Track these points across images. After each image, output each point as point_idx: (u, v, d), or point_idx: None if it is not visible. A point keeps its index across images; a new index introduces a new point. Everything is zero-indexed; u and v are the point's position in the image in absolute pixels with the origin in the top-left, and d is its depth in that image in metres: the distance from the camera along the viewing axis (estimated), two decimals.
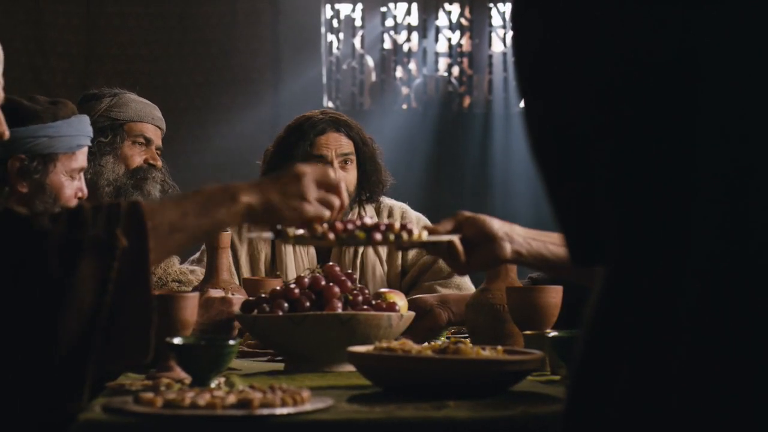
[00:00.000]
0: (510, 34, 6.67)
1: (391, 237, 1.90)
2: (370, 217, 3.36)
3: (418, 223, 3.45)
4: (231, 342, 1.88)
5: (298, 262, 3.35)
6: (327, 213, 1.76)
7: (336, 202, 1.75)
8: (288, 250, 3.35)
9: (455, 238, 1.99)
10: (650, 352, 1.04)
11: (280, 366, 2.25)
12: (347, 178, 3.31)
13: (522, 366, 1.80)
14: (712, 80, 1.01)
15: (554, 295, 2.28)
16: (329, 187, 1.76)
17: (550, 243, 2.01)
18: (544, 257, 2.01)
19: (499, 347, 1.91)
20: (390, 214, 3.45)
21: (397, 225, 1.96)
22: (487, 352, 1.85)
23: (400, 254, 3.39)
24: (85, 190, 2.65)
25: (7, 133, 1.78)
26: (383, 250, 3.39)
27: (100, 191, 3.00)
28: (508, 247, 1.98)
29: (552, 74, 1.12)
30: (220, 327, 2.31)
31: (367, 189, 3.38)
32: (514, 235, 2.00)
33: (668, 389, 1.02)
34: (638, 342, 1.05)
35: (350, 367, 2.07)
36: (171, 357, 1.96)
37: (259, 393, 1.64)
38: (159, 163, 3.12)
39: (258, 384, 1.73)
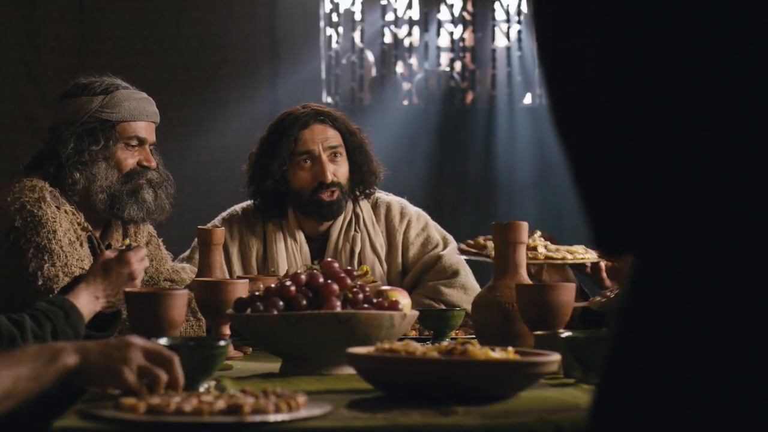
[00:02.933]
0: (514, 27, 6.67)
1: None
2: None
3: (418, 219, 3.35)
4: (221, 343, 1.77)
5: (291, 259, 3.24)
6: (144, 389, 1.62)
7: (163, 377, 1.62)
8: (280, 247, 3.25)
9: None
10: (685, 348, 0.98)
11: (276, 368, 2.15)
12: (338, 171, 3.22)
13: (537, 369, 1.69)
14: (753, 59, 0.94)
15: (567, 293, 2.17)
16: (160, 360, 1.63)
17: None
18: None
19: (510, 348, 1.79)
20: (388, 211, 3.34)
21: None
22: (497, 354, 1.74)
23: (400, 253, 3.30)
24: None
25: None
26: (382, 249, 3.28)
27: (93, 198, 2.90)
28: None
29: (574, 52, 1.04)
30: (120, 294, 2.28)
31: (360, 181, 3.27)
32: None
33: (706, 390, 0.96)
34: (672, 337, 0.99)
35: (350, 370, 1.98)
36: None
37: (250, 398, 1.55)
38: (153, 164, 3.01)
39: (250, 388, 1.63)
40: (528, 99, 6.61)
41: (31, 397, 1.59)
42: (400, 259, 3.31)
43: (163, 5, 6.01)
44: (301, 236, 3.28)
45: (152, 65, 5.93)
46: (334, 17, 6.49)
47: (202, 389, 1.73)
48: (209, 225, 3.23)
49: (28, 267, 2.65)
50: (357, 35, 6.57)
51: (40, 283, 2.64)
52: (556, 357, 1.74)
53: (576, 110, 1.04)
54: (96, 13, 5.95)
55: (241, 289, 2.33)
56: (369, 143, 3.33)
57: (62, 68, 5.67)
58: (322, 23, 6.39)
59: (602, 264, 2.77)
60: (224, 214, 3.38)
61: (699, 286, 0.98)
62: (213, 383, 1.81)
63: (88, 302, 2.32)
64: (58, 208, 2.79)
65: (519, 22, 6.58)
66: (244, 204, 3.38)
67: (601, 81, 1.00)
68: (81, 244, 2.82)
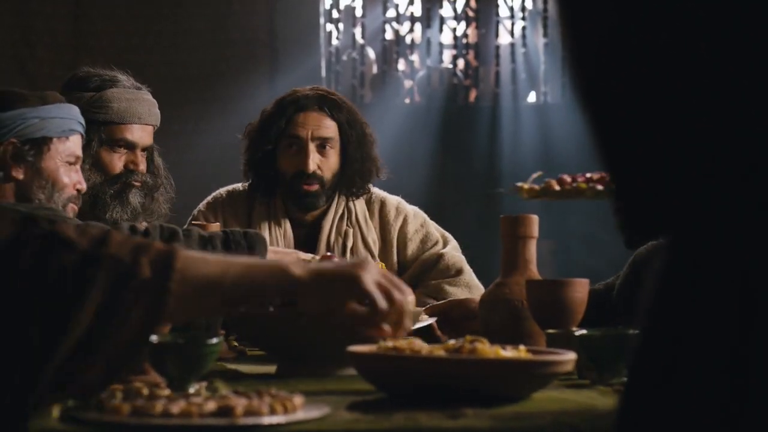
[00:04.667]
0: (519, 24, 6.62)
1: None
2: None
3: (415, 216, 3.26)
4: (213, 341, 1.67)
5: (273, 244, 3.14)
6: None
7: (398, 296, 1.56)
8: (263, 231, 3.14)
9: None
10: (725, 340, 0.90)
11: (272, 369, 2.08)
12: (325, 163, 3.12)
13: (552, 368, 1.58)
14: None
15: (580, 289, 2.06)
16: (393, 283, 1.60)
17: None
18: None
19: (522, 347, 1.69)
20: (382, 206, 3.25)
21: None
22: (508, 353, 1.64)
23: (395, 250, 3.22)
24: (84, 185, 2.62)
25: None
26: (375, 245, 3.18)
27: None
28: None
29: (601, 34, 0.98)
30: None
31: (349, 178, 3.16)
32: None
33: (745, 385, 0.89)
34: (710, 329, 0.91)
35: (351, 370, 1.89)
36: (145, 357, 1.75)
37: (244, 399, 1.44)
38: (141, 167, 2.92)
39: (244, 389, 1.53)
40: (532, 97, 6.56)
41: (245, 299, 1.49)
42: (395, 257, 3.22)
43: (160, 1, 5.97)
44: (286, 223, 3.18)
45: (149, 62, 5.89)
46: (335, 13, 6.44)
47: (191, 390, 1.63)
48: (195, 210, 3.23)
49: None
50: (358, 31, 6.54)
51: None
52: (571, 356, 1.65)
53: (605, 88, 0.97)
54: (92, 9, 5.93)
55: None
56: (372, 141, 3.22)
57: (57, 65, 5.62)
58: (322, 19, 6.34)
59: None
60: (209, 198, 3.30)
61: (738, 272, 0.90)
62: (204, 384, 1.71)
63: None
64: None
65: (523, 18, 6.54)
66: (230, 187, 3.30)
67: (634, 61, 0.94)
68: None
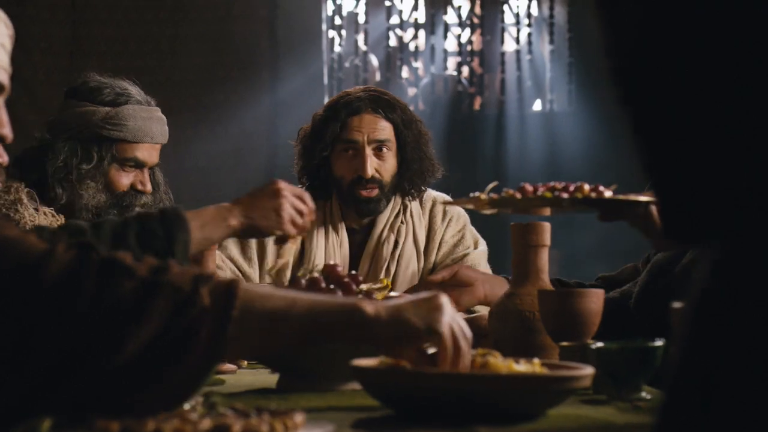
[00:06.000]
0: (524, 30, 6.58)
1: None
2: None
3: (458, 219, 3.23)
4: None
5: (330, 253, 3.11)
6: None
7: (464, 345, 1.53)
8: (320, 240, 3.09)
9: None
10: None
11: (272, 383, 2.01)
12: (382, 166, 3.08)
13: (569, 384, 1.49)
14: None
15: (595, 300, 1.97)
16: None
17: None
18: None
19: (536, 360, 1.60)
20: (433, 206, 3.21)
21: None
22: (522, 367, 1.55)
23: (436, 250, 3.19)
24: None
25: (6, 159, 1.64)
26: (422, 243, 3.15)
27: (77, 214, 2.72)
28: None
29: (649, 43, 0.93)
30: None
31: (408, 179, 3.10)
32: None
33: None
34: (755, 341, 0.85)
35: (355, 385, 1.85)
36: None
37: (241, 417, 1.36)
38: (147, 188, 2.84)
39: (243, 405, 1.44)
40: (538, 105, 6.51)
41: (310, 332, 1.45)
42: (434, 257, 3.21)
43: (158, 5, 5.95)
44: (343, 229, 3.14)
45: (147, 67, 5.86)
46: (337, 20, 6.40)
47: (187, 407, 1.54)
48: None
49: None
50: (361, 38, 6.49)
51: None
52: (589, 370, 1.55)
53: (645, 90, 0.93)
54: (89, 13, 5.89)
55: None
56: (429, 139, 3.17)
57: (53, 71, 5.55)
58: (324, 26, 6.29)
59: None
60: None
61: None
62: (200, 399, 1.62)
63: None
64: (36, 210, 2.62)
65: (529, 25, 6.49)
66: None
67: (677, 68, 0.89)
68: None
